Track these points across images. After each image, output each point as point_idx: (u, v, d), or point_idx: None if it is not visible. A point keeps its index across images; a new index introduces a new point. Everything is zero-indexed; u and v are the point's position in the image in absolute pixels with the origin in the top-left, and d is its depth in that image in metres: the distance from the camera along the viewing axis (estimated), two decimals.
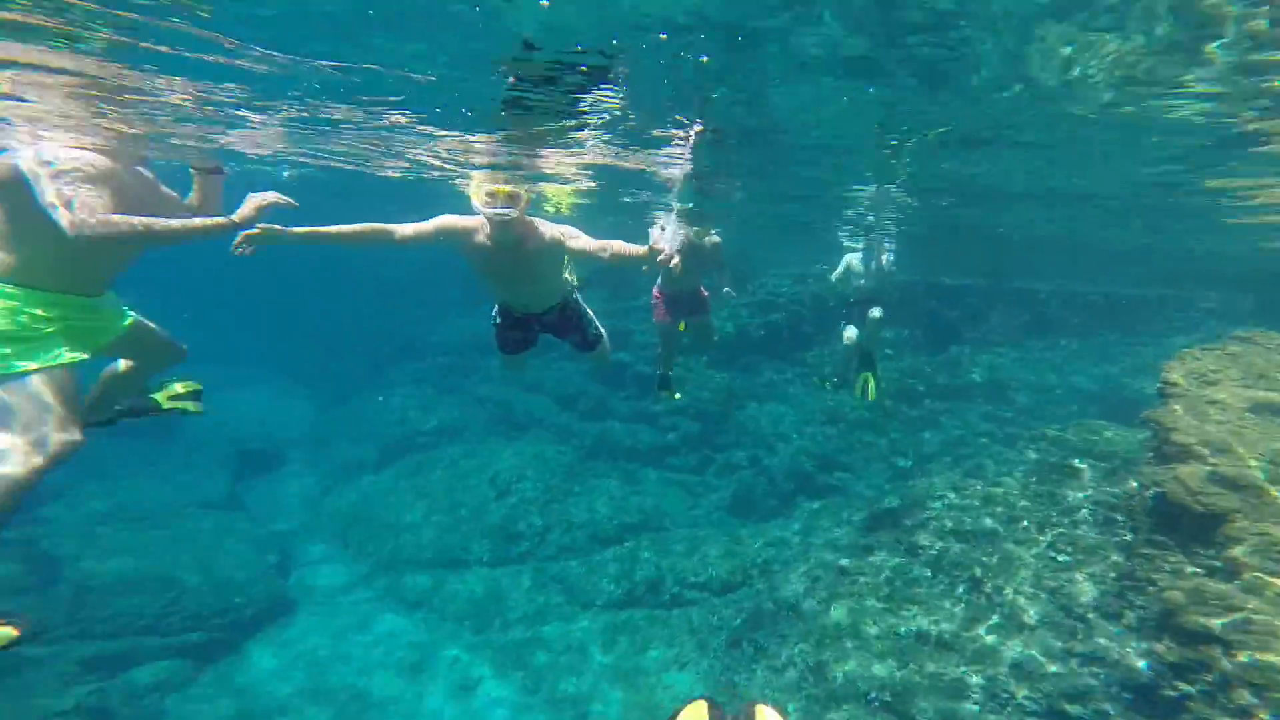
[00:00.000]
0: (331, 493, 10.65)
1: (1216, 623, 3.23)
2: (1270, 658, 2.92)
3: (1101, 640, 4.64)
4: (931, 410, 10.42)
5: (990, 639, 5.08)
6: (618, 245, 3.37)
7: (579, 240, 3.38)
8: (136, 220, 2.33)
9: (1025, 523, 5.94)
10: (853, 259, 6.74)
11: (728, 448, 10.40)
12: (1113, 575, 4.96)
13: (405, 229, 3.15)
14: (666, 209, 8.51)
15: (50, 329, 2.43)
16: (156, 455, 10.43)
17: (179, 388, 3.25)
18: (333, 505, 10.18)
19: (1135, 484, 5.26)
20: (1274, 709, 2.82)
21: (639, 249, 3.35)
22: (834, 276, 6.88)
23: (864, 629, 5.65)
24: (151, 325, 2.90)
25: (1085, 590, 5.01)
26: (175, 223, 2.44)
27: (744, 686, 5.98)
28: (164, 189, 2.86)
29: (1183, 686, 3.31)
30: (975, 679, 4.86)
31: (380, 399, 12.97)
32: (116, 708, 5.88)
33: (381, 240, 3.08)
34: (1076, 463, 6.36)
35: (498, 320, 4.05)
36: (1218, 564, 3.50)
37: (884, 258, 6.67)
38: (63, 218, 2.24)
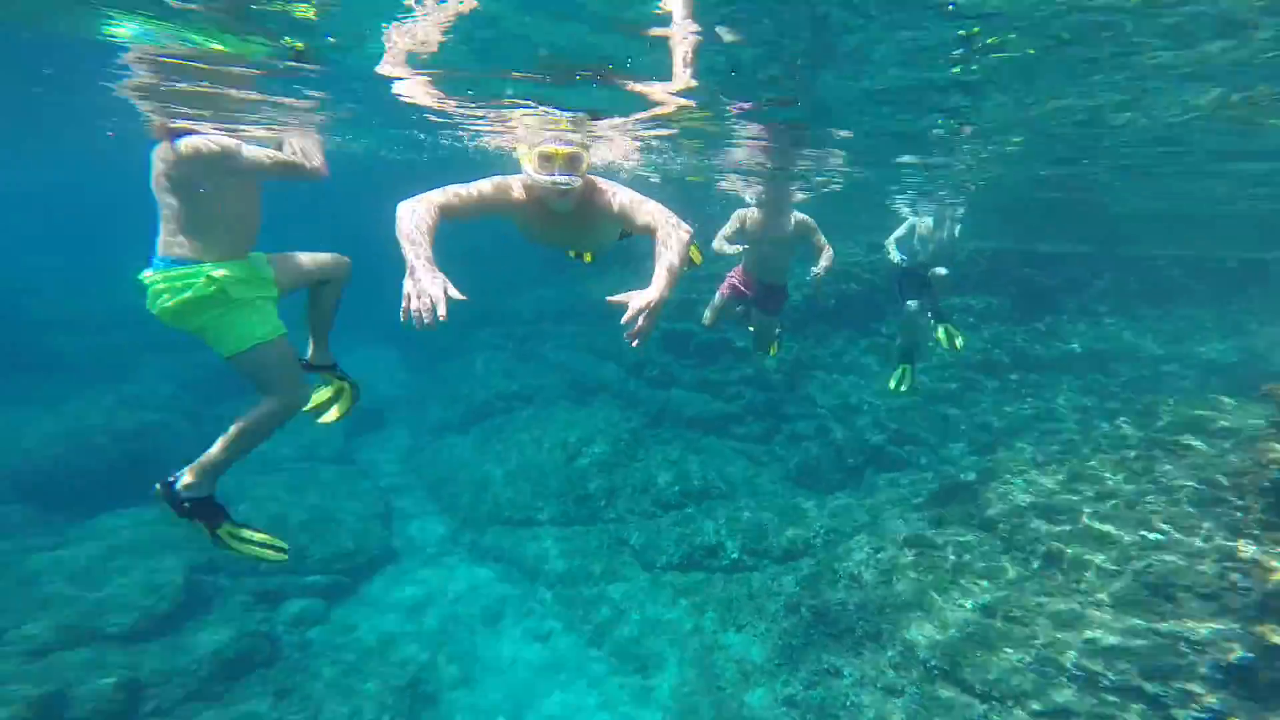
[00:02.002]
0: (424, 451, 11.56)
1: None
2: None
3: (1191, 620, 4.32)
4: (1019, 383, 9.72)
5: (1065, 614, 4.84)
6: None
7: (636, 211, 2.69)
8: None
9: (1115, 501, 5.52)
10: (918, 222, 6.53)
11: (795, 418, 10.29)
12: (1214, 555, 4.55)
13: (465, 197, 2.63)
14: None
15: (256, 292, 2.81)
16: None
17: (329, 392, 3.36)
18: (425, 463, 11.08)
19: (1252, 461, 4.75)
20: None
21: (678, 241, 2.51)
22: (891, 239, 6.68)
23: (927, 599, 5.56)
24: (293, 255, 3.05)
25: (1178, 569, 4.65)
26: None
27: (799, 650, 6.10)
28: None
29: None
30: (1044, 652, 4.68)
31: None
32: (280, 634, 6.93)
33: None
34: (1186, 439, 5.77)
35: None
36: None
37: (953, 227, 6.45)
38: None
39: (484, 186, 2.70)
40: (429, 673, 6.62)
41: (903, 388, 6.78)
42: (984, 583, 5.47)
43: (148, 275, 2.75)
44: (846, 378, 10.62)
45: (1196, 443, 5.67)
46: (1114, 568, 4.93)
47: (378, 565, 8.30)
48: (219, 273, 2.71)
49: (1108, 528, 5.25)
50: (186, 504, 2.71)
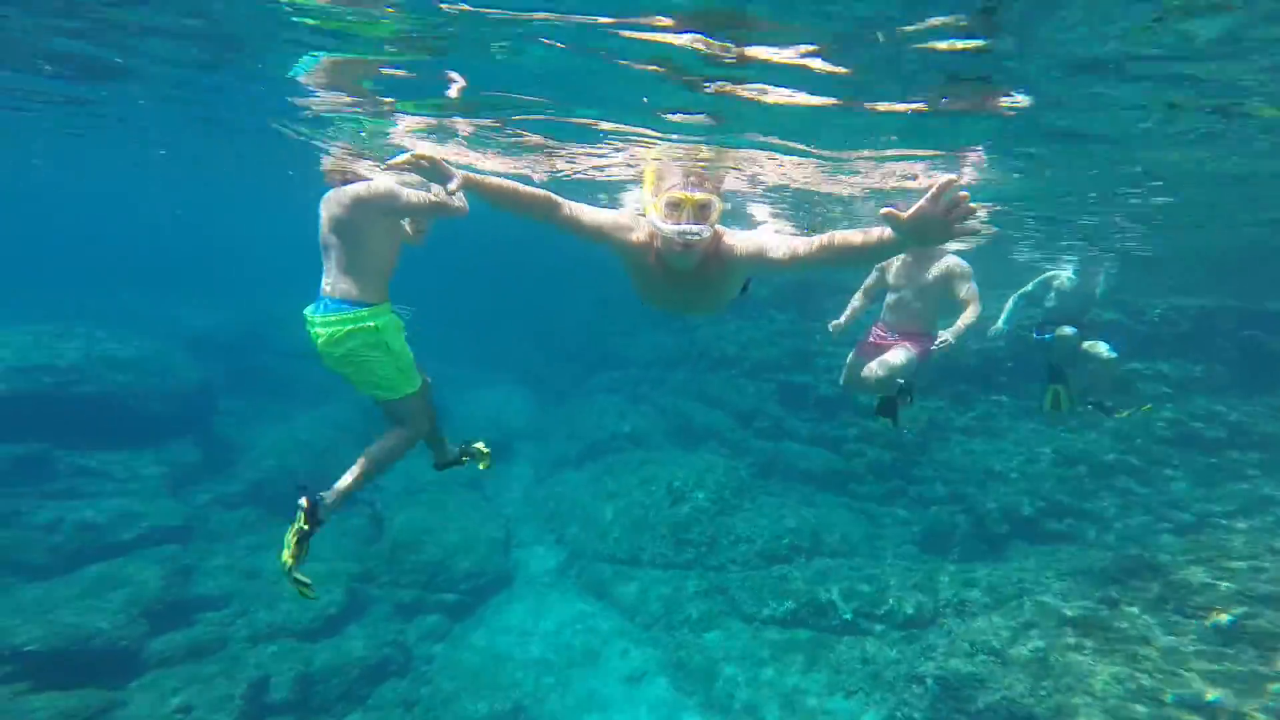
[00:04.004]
0: (543, 484, 12.06)
1: None
2: None
3: None
4: (1240, 461, 7.77)
5: None
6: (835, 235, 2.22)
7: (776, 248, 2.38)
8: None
9: None
10: (1058, 275, 6.40)
11: (925, 480, 9.26)
12: None
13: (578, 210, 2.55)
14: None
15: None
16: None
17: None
18: (543, 495, 11.52)
19: None
20: None
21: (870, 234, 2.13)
22: (1023, 290, 6.57)
23: (1098, 685, 4.51)
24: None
25: None
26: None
27: None
28: None
29: None
30: None
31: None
32: (411, 645, 7.48)
33: (545, 214, 2.51)
34: None
35: None
36: None
37: (1100, 281, 6.06)
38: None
39: (607, 215, 2.58)
40: (530, 700, 6.71)
41: (1059, 409, 6.06)
42: (1192, 676, 4.23)
43: (312, 314, 3.03)
44: (992, 443, 9.35)
45: None
46: None
47: (495, 589, 8.67)
48: (377, 323, 2.98)
49: None
50: (320, 519, 2.96)
